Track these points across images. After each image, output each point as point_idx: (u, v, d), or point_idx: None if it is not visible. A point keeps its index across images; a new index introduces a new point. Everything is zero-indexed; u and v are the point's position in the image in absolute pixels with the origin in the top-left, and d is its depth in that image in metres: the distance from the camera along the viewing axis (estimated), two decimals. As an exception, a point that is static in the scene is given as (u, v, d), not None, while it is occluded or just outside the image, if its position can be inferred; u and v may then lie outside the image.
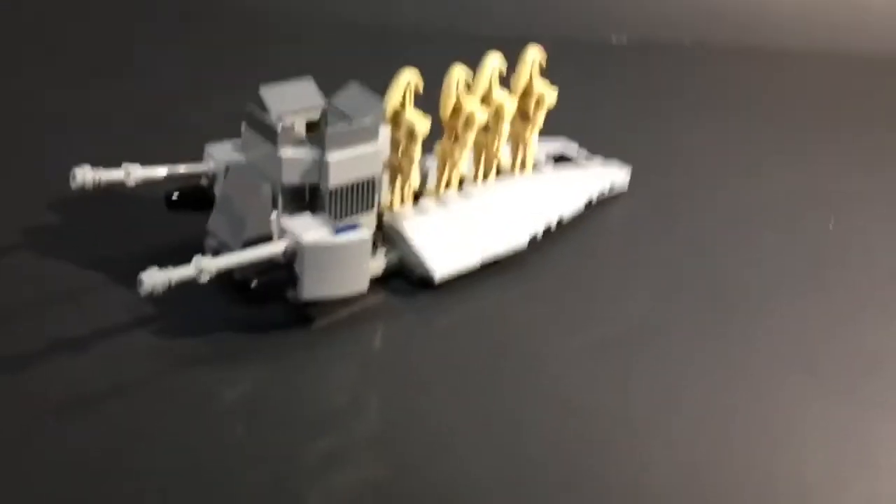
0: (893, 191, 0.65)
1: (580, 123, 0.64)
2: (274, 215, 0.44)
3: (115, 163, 0.46)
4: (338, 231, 0.43)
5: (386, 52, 0.73)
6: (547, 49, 0.55)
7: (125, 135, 0.59)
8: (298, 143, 0.44)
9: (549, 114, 0.55)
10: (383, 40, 0.78)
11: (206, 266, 0.40)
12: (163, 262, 0.40)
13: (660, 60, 0.82)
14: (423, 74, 0.49)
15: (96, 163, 0.45)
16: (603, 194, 0.58)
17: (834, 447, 0.42)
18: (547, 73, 0.55)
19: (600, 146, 0.62)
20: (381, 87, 0.48)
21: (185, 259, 0.40)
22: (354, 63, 0.66)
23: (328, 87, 0.47)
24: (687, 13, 0.88)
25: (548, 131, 0.57)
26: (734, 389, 0.45)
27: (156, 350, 0.43)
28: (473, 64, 0.51)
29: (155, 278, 0.38)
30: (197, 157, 0.47)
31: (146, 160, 0.47)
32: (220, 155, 0.46)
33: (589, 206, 0.57)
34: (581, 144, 0.62)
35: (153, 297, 0.39)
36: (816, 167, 0.67)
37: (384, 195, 0.49)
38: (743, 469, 0.40)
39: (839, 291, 0.53)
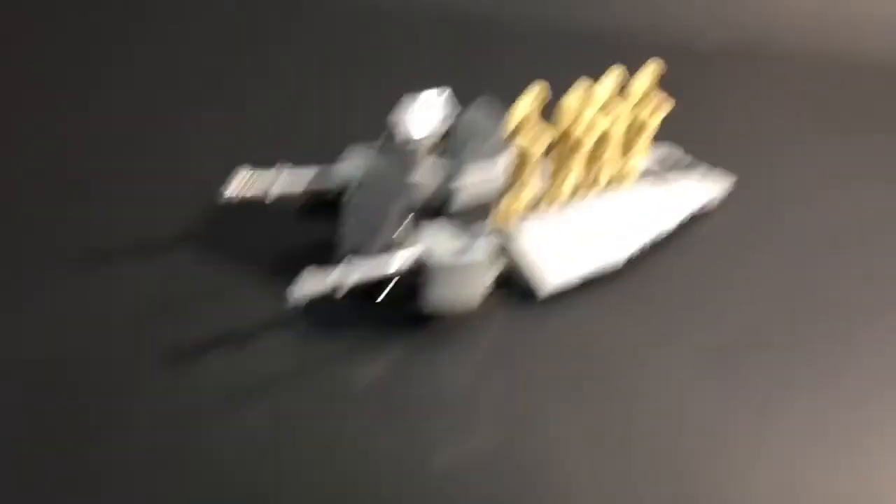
0: None
1: (686, 128, 0.66)
2: (405, 227, 0.48)
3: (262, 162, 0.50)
4: (462, 248, 0.47)
5: (520, 50, 0.75)
6: (662, 53, 0.56)
7: (269, 130, 0.62)
8: (429, 161, 0.47)
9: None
10: (518, 38, 0.80)
11: (347, 278, 0.44)
12: (303, 266, 0.45)
13: (748, 68, 0.82)
14: (549, 72, 0.52)
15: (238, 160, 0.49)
16: (704, 207, 0.60)
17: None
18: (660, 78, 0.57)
19: (707, 152, 0.63)
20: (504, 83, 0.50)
21: (320, 260, 0.45)
22: (488, 61, 0.69)
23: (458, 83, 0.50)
24: (802, 20, 0.87)
25: (657, 135, 0.60)
26: (835, 407, 0.47)
27: (300, 345, 0.48)
28: (589, 62, 0.54)
29: (303, 289, 0.43)
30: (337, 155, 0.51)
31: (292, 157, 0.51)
32: (353, 164, 0.50)
33: (690, 219, 0.59)
34: (687, 150, 0.63)
35: (298, 306, 0.44)
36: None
37: (502, 207, 0.53)
38: (843, 488, 0.43)
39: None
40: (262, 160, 0.51)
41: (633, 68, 0.56)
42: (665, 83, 0.58)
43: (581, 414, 0.46)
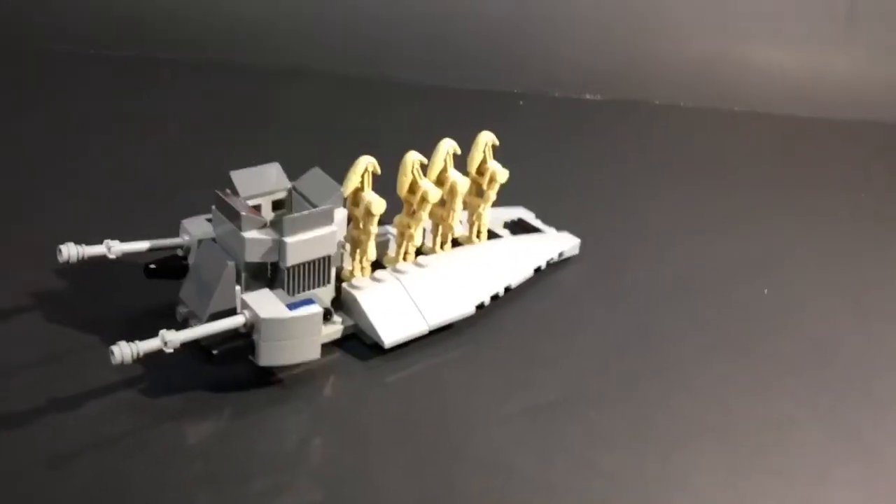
0: (830, 258, 0.69)
1: (541, 188, 0.70)
2: (237, 290, 0.49)
3: (103, 230, 0.52)
4: (292, 306, 0.49)
5: (364, 104, 0.79)
6: (520, 101, 0.60)
7: (113, 202, 0.65)
8: (261, 225, 0.50)
9: (513, 178, 0.60)
10: (361, 92, 0.84)
11: (171, 339, 0.46)
12: (143, 325, 0.46)
13: (629, 121, 0.87)
14: (399, 125, 0.55)
15: (83, 231, 0.51)
16: (552, 262, 0.63)
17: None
18: (516, 132, 0.60)
19: (557, 213, 0.67)
20: (349, 139, 0.53)
21: (163, 322, 0.47)
22: (339, 114, 0.72)
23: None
24: (649, 73, 0.93)
25: (510, 197, 0.63)
26: (648, 456, 0.49)
27: (133, 406, 0.48)
28: (450, 113, 0.57)
29: (124, 350, 0.44)
30: (176, 229, 0.53)
31: (131, 228, 0.53)
32: (194, 230, 0.52)
33: (538, 271, 0.62)
34: (538, 212, 0.67)
35: (124, 366, 0.45)
36: (764, 232, 0.71)
37: (345, 264, 0.55)
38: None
39: (764, 358, 0.57)
40: (97, 228, 0.53)
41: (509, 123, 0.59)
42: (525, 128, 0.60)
43: (407, 469, 0.47)
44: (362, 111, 0.83)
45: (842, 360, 0.58)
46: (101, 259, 0.51)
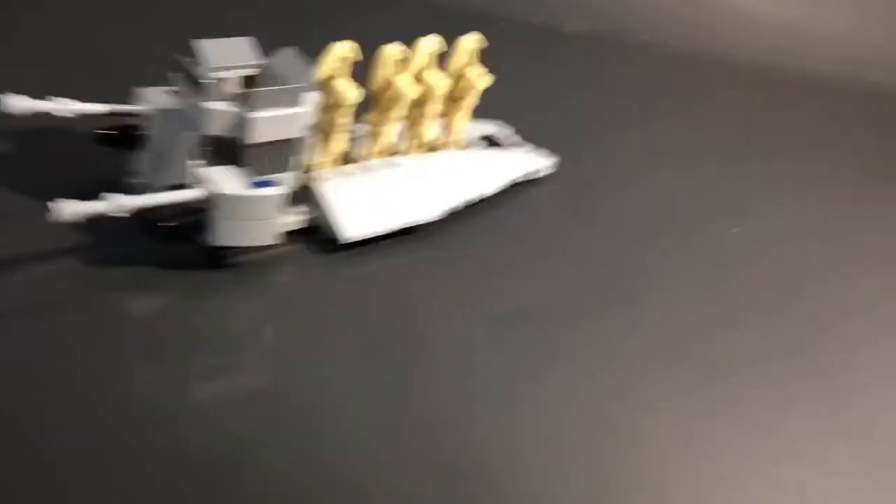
0: (804, 204, 0.68)
1: (521, 107, 0.67)
2: (194, 163, 0.47)
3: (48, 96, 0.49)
4: (254, 186, 0.46)
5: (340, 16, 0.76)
6: (504, 31, 0.57)
7: (60, 70, 0.61)
8: (227, 98, 0.47)
9: (493, 96, 0.58)
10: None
11: (120, 203, 0.43)
12: (90, 195, 0.43)
13: (611, 53, 0.85)
14: (377, 37, 0.52)
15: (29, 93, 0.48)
16: (525, 179, 0.61)
17: (683, 450, 0.45)
18: (497, 55, 0.58)
19: (536, 132, 0.65)
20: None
21: (114, 192, 0.44)
22: (301, 26, 0.69)
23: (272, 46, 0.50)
24: (645, 11, 0.90)
25: (489, 113, 0.61)
26: (609, 374, 0.48)
27: (76, 275, 0.46)
28: (433, 30, 0.54)
29: (66, 209, 0.41)
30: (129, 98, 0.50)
31: (79, 97, 0.49)
32: (153, 99, 0.49)
33: (510, 188, 0.60)
34: (518, 129, 0.65)
35: (73, 227, 0.42)
36: (739, 174, 0.70)
37: (312, 156, 0.52)
38: (596, 452, 0.44)
39: (732, 292, 0.56)
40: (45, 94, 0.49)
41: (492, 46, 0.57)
42: (508, 58, 0.58)
43: (357, 358, 0.45)
44: (330, 12, 0.79)
45: (810, 299, 0.58)
46: (49, 121, 0.48)
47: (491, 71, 0.58)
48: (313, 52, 0.51)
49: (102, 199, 0.43)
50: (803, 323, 0.55)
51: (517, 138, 0.64)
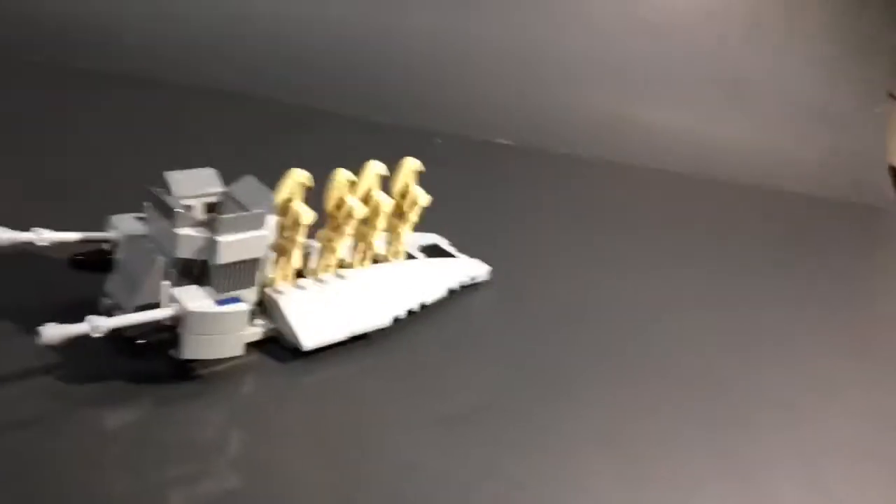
0: (718, 302, 0.76)
1: (457, 220, 0.74)
2: (165, 284, 0.51)
3: (28, 223, 0.52)
4: (219, 302, 0.51)
5: (294, 134, 0.83)
6: (442, 143, 0.64)
7: (37, 199, 0.65)
8: (194, 224, 0.51)
9: (430, 212, 0.64)
10: (289, 121, 0.87)
11: (100, 324, 0.47)
12: (66, 317, 0.47)
13: (542, 165, 0.93)
14: (323, 157, 0.58)
15: (7, 223, 0.51)
16: (464, 285, 0.67)
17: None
18: (434, 171, 0.64)
19: (470, 241, 0.71)
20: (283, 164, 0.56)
21: (85, 314, 0.47)
22: (254, 150, 0.75)
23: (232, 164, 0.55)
24: (569, 125, 1.00)
25: (427, 227, 0.66)
26: (547, 462, 0.53)
27: (53, 392, 0.49)
28: (376, 149, 0.60)
29: (52, 332, 0.45)
30: (100, 225, 0.54)
31: (57, 223, 0.53)
32: (123, 226, 0.53)
33: (451, 294, 0.65)
34: (453, 239, 0.71)
35: (54, 348, 0.46)
36: (660, 275, 0.78)
37: (269, 272, 0.57)
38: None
39: (653, 383, 0.63)
40: (23, 224, 0.53)
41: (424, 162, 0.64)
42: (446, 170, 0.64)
43: (323, 464, 0.49)
44: (284, 134, 0.85)
45: (723, 390, 0.64)
46: (27, 247, 0.52)
47: (426, 183, 0.64)
48: (266, 174, 0.56)
49: (83, 321, 0.47)
50: (715, 410, 0.61)
51: (453, 249, 0.70)
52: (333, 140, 0.81)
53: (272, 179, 0.56)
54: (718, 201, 0.96)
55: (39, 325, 0.46)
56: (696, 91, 1.04)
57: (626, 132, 1.02)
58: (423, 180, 0.64)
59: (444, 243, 0.70)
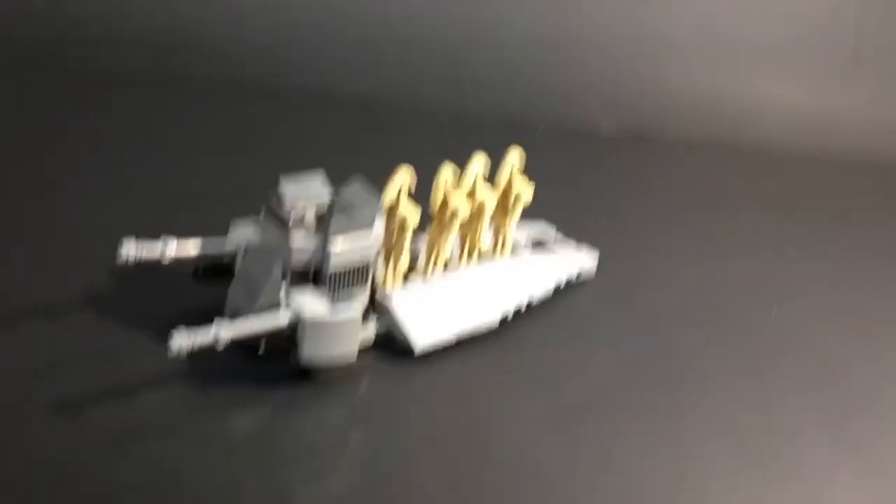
0: (833, 283, 0.73)
1: (562, 208, 0.73)
2: (283, 290, 0.52)
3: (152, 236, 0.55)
4: (334, 307, 0.52)
5: (395, 132, 0.83)
6: (541, 135, 0.63)
7: (159, 208, 0.68)
8: (306, 231, 0.53)
9: (535, 199, 0.63)
10: (388, 118, 0.88)
11: (223, 334, 0.49)
12: (191, 324, 0.49)
13: (645, 153, 0.91)
14: (425, 154, 0.59)
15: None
16: (571, 279, 0.66)
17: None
18: (537, 158, 0.64)
19: (577, 232, 0.70)
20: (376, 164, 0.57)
21: (208, 321, 0.50)
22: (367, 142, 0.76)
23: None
24: (675, 109, 0.97)
25: (532, 214, 0.66)
26: (665, 458, 0.52)
27: (184, 397, 0.52)
28: (476, 142, 0.60)
29: (181, 342, 0.47)
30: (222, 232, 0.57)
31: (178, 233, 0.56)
32: (241, 235, 0.55)
33: (558, 289, 0.65)
34: (559, 228, 0.70)
35: (182, 356, 0.48)
36: (774, 261, 0.75)
37: (379, 273, 0.58)
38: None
39: (772, 376, 0.61)
40: (151, 233, 0.56)
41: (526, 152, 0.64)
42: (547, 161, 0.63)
43: (441, 462, 0.50)
44: (382, 135, 0.86)
45: (844, 378, 0.61)
46: (152, 263, 0.55)
47: (531, 174, 0.63)
48: (374, 177, 0.57)
49: (210, 328, 0.49)
50: (839, 399, 0.59)
51: (560, 237, 0.69)
52: (435, 137, 0.81)
53: (379, 179, 0.57)
54: (841, 182, 0.92)
55: (166, 334, 0.48)
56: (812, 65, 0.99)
57: (737, 112, 0.98)
58: (527, 168, 0.64)
59: (551, 231, 0.70)
